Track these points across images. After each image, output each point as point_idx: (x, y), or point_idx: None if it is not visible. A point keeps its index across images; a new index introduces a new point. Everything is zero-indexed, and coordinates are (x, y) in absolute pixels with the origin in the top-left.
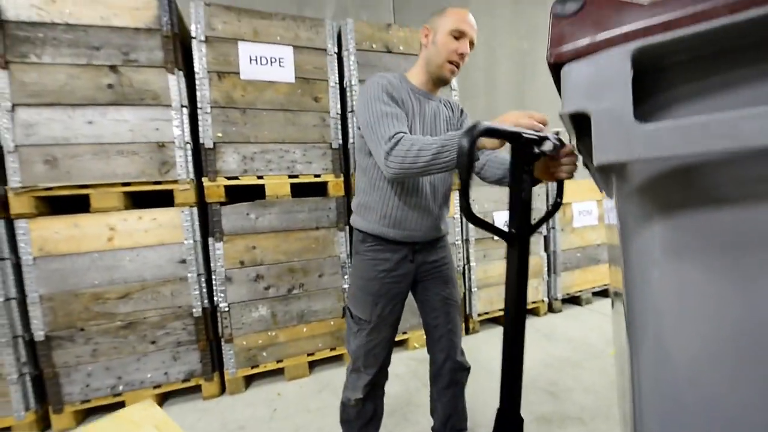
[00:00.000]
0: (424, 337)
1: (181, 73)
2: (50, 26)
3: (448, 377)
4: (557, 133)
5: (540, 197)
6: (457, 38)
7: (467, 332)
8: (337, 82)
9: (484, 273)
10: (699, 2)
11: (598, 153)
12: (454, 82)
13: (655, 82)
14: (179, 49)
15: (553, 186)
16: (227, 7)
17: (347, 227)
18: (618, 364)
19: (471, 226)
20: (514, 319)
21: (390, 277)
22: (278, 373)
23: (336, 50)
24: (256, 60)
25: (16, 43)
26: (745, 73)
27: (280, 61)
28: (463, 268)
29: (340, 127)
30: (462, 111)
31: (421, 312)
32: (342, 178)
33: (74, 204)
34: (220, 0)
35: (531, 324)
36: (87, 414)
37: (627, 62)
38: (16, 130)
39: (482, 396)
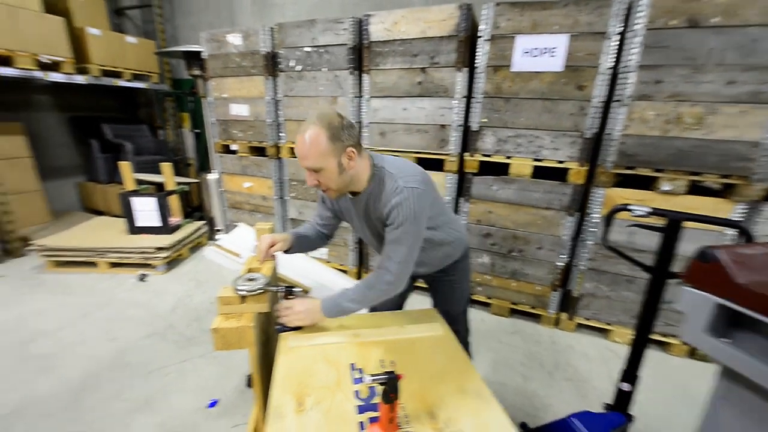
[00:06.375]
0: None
1: (466, 69)
2: (391, 42)
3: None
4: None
5: None
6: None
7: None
8: (610, 67)
9: None
10: None
11: (685, 335)
12: None
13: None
14: (467, 50)
15: None
16: (513, 3)
17: (578, 213)
18: None
19: None
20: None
21: None
22: (487, 305)
23: (620, 30)
24: (528, 52)
25: (373, 57)
26: None
27: (551, 51)
28: None
29: (600, 116)
30: (391, 208)
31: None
32: (586, 167)
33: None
34: None
35: None
36: None
37: (713, 308)
38: (369, 113)
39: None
